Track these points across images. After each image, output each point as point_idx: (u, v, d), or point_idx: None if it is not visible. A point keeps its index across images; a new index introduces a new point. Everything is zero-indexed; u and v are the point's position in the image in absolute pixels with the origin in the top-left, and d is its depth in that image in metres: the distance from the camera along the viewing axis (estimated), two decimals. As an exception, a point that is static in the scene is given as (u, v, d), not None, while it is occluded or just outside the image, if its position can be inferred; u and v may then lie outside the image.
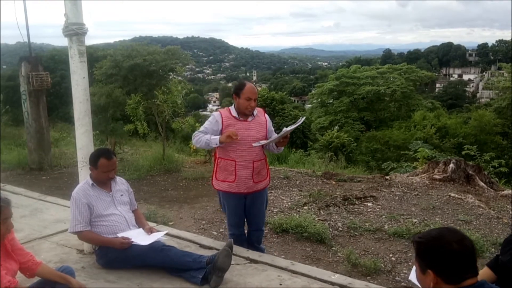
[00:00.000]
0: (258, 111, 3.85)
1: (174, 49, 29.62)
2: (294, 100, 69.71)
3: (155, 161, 8.30)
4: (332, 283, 3.32)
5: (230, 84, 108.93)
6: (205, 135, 3.71)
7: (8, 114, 17.50)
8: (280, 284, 3.29)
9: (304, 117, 3.87)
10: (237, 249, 3.94)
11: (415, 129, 27.40)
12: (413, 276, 2.59)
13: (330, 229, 5.17)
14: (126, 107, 8.15)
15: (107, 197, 3.58)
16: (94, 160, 3.51)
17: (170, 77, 32.17)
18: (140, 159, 8.45)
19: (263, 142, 3.73)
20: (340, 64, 77.21)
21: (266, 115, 3.94)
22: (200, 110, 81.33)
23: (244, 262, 3.68)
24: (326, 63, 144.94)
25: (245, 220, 4.04)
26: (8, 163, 8.45)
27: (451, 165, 7.19)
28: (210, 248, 3.94)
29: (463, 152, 8.63)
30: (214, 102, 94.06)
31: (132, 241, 3.38)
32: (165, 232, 3.60)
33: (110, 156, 3.52)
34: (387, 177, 7.78)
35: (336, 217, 5.64)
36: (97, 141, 13.79)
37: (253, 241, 4.05)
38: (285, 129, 3.62)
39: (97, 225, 3.49)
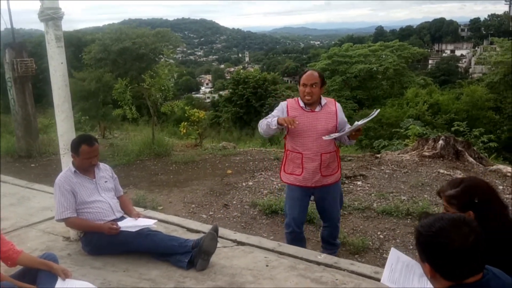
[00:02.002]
0: (328, 101, 3.62)
1: (164, 31, 29.41)
2: (287, 80, 69.30)
3: (145, 146, 8.24)
4: (318, 263, 3.33)
5: (222, 66, 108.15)
6: (268, 119, 3.54)
7: (-3, 101, 17.28)
8: (267, 265, 3.30)
9: (378, 110, 3.58)
10: (224, 231, 3.95)
11: (408, 106, 27.43)
12: (385, 279, 2.49)
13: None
14: (113, 91, 8.04)
15: (90, 184, 3.55)
16: (75, 147, 3.46)
17: (162, 59, 31.95)
18: (130, 144, 8.39)
19: (334, 135, 3.46)
20: (333, 42, 76.61)
21: (338, 105, 3.67)
22: (193, 92, 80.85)
23: (231, 244, 3.68)
24: (318, 42, 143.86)
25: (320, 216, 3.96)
26: (-3, 151, 8.39)
27: (440, 141, 7.20)
28: (197, 231, 3.93)
29: (453, 129, 8.64)
30: (207, 84, 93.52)
31: (121, 227, 3.36)
32: (154, 221, 3.57)
33: (91, 142, 3.47)
34: (378, 155, 7.79)
35: (326, 196, 5.64)
36: (87, 126, 13.72)
37: (325, 237, 3.94)
38: (356, 123, 3.38)
39: (81, 212, 3.46)
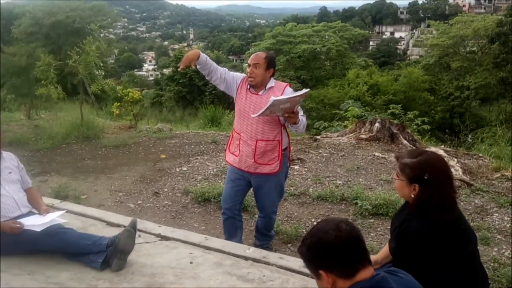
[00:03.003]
0: (276, 85, 3.33)
1: (100, 4, 27.80)
2: (233, 59, 68.67)
3: (72, 128, 7.68)
4: (246, 258, 3.14)
5: (166, 43, 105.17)
6: (221, 68, 3.43)
7: None
8: (191, 262, 3.07)
9: (308, 90, 3.24)
10: (148, 225, 3.67)
11: (349, 87, 27.94)
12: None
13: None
14: (35, 69, 7.38)
15: (-10, 176, 3.13)
16: (-30, 135, 3.02)
17: (102, 35, 30.36)
18: (56, 126, 7.78)
19: (256, 115, 3.14)
20: (278, 22, 76.46)
21: (287, 91, 3.30)
22: (135, 70, 78.23)
23: (154, 239, 3.41)
24: (264, 21, 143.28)
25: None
26: None
27: (377, 124, 7.23)
28: (118, 225, 3.60)
29: (389, 111, 8.74)
30: (150, 61, 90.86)
31: (24, 225, 2.98)
32: (62, 212, 3.22)
33: (-11, 130, 3.04)
34: (317, 137, 7.73)
35: (261, 182, 5.46)
36: (14, 105, 12.72)
37: (260, 227, 3.75)
38: (272, 98, 3.00)
39: (-20, 208, 3.05)
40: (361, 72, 29.84)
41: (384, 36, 70.61)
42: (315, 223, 4.46)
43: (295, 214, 4.65)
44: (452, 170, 5.30)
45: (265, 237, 3.84)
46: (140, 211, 4.67)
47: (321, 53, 34.99)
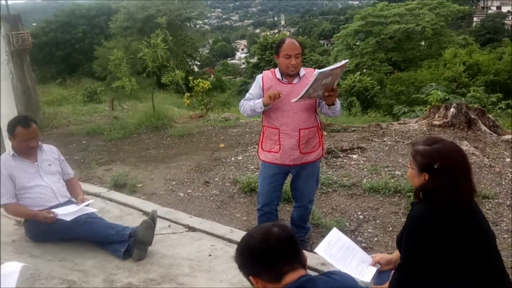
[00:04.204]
0: (307, 72, 3.26)
1: (191, -3, 28.76)
2: (324, 44, 67.40)
3: (145, 118, 8.07)
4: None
5: (257, 30, 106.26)
6: (250, 101, 3.26)
7: None
8: (210, 255, 3.06)
9: (347, 60, 3.10)
10: (179, 215, 3.73)
11: (446, 67, 26.01)
12: (320, 249, 2.33)
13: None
14: (109, 63, 7.85)
15: (31, 168, 3.38)
16: (11, 129, 3.28)
17: (188, 25, 31.49)
18: (130, 117, 8.23)
19: (301, 94, 2.95)
20: (372, 2, 73.31)
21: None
22: (228, 58, 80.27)
23: (182, 230, 3.47)
24: (357, 2, 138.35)
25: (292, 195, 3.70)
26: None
27: (452, 109, 6.61)
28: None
29: (469, 95, 7.93)
30: (242, 49, 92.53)
31: (58, 215, 3.18)
32: (90, 201, 3.38)
33: (28, 123, 3.28)
34: (384, 123, 7.30)
35: (314, 172, 5.28)
36: (104, 97, 13.63)
37: (295, 218, 3.64)
38: (317, 71, 2.85)
39: (22, 197, 3.32)
40: (460, 51, 27.57)
41: (489, 11, 64.37)
42: (361, 216, 4.25)
43: (342, 206, 4.43)
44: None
45: (300, 229, 3.70)
46: (188, 200, 4.76)
47: (414, 32, 32.99)
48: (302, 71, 3.26)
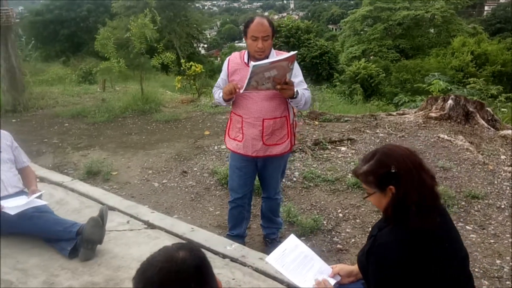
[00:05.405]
0: (278, 54, 2.86)
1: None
2: (332, 28, 66.42)
3: (133, 101, 7.81)
4: (224, 256, 2.81)
5: (266, 13, 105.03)
6: (217, 92, 3.02)
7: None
8: (164, 257, 2.79)
9: (296, 52, 2.77)
10: (141, 210, 3.48)
11: (453, 56, 25.44)
12: (272, 259, 2.07)
13: (284, 180, 4.55)
14: (95, 43, 7.55)
15: (-21, 155, 3.12)
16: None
17: (192, 5, 30.87)
18: (117, 100, 7.96)
19: (242, 90, 2.72)
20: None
21: (273, 55, 2.88)
22: (236, 41, 79.42)
23: (140, 227, 3.21)
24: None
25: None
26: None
27: (449, 101, 6.28)
28: (113, 209, 3.46)
29: (468, 86, 7.57)
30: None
31: (3, 208, 2.93)
32: (41, 193, 3.12)
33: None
34: (379, 114, 6.98)
35: (298, 165, 5.01)
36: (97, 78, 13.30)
37: (264, 211, 3.40)
38: (252, 63, 2.58)
39: (-32, 187, 3.06)
40: (468, 40, 26.92)
41: (501, 0, 62.89)
42: (340, 214, 3.99)
43: (322, 203, 4.17)
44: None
45: (272, 223, 3.45)
46: (162, 191, 4.52)
47: (424, 19, 32.26)
48: (273, 54, 2.90)
